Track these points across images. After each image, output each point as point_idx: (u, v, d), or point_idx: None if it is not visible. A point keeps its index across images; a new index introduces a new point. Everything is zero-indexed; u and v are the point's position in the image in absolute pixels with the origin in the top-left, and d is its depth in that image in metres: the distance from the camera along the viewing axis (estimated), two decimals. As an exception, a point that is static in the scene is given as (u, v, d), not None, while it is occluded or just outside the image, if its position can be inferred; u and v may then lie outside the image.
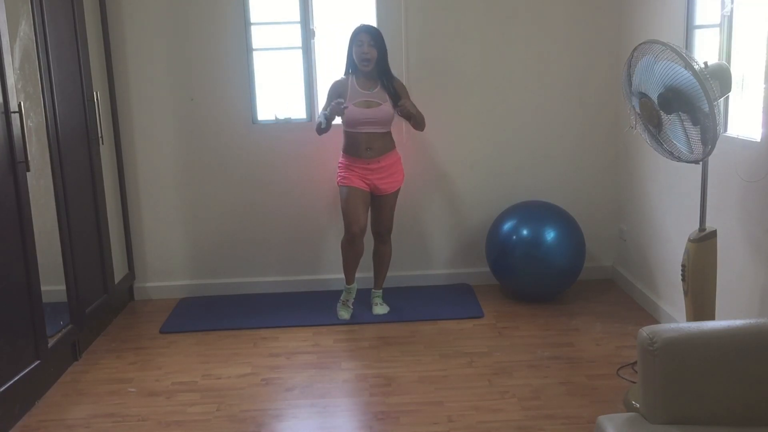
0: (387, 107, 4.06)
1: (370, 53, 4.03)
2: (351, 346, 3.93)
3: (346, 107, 3.97)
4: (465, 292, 4.65)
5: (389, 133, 4.16)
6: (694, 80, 2.65)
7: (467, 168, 4.68)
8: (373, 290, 4.41)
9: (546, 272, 4.24)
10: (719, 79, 2.80)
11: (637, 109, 3.00)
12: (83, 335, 3.90)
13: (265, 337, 4.07)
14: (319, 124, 4.08)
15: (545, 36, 4.55)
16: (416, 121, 4.13)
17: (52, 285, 3.58)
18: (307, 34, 4.52)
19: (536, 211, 4.38)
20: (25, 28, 3.38)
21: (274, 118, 4.65)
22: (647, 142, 3.07)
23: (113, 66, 4.46)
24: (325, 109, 4.11)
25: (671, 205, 3.89)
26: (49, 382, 3.53)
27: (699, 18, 3.58)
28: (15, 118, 3.12)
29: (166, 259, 4.75)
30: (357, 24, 4.11)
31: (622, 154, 4.61)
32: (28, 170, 3.23)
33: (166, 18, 4.47)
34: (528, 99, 4.62)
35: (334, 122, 4.10)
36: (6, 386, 3.05)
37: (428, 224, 4.76)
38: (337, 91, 4.13)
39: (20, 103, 3.17)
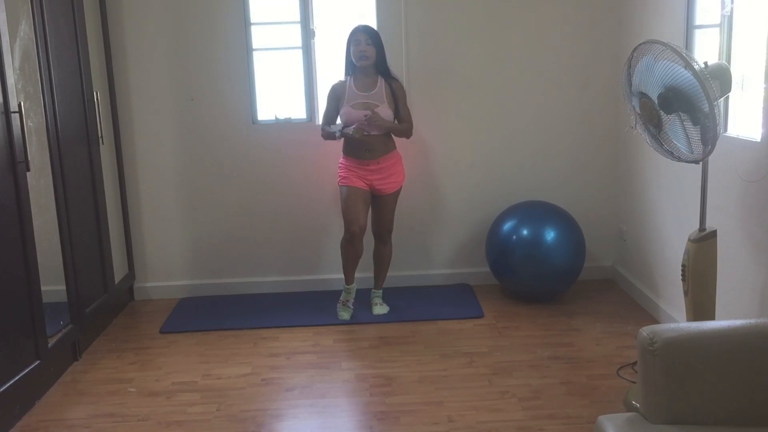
0: (384, 109, 4.06)
1: (367, 51, 4.03)
2: (351, 346, 3.93)
3: (367, 133, 3.99)
4: (465, 292, 4.64)
5: (389, 134, 4.15)
6: (694, 80, 2.65)
7: (467, 168, 4.68)
8: (373, 290, 4.41)
9: (546, 272, 4.24)
10: (719, 79, 2.80)
11: (637, 109, 3.00)
12: (83, 335, 3.90)
13: (265, 337, 4.07)
14: (331, 134, 4.11)
15: (545, 36, 4.55)
16: (395, 134, 4.14)
17: (52, 285, 3.58)
18: (307, 34, 4.52)
19: (536, 211, 4.38)
20: (25, 28, 3.38)
21: (274, 118, 4.65)
22: (647, 142, 3.07)
23: (113, 66, 4.46)
24: (328, 115, 4.16)
25: (671, 205, 3.89)
26: (49, 382, 3.53)
27: (699, 18, 3.58)
28: (15, 118, 3.12)
29: (166, 259, 4.75)
30: (355, 24, 4.11)
31: (622, 154, 4.61)
32: (28, 170, 3.23)
33: (166, 18, 4.47)
34: (528, 99, 4.62)
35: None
36: (6, 386, 3.05)
37: (428, 224, 4.76)
38: (335, 95, 4.15)
39: (20, 103, 3.17)
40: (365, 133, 4.00)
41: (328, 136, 4.16)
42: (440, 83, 4.57)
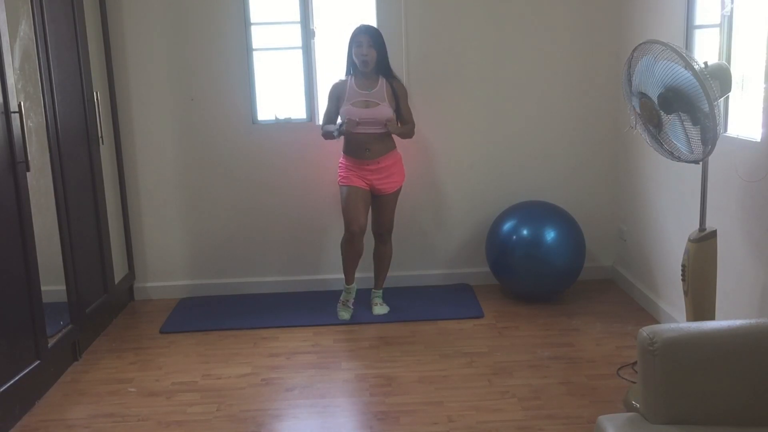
0: (385, 107, 4.06)
1: (369, 54, 4.03)
2: (351, 346, 3.93)
3: (358, 122, 3.99)
4: (465, 292, 4.64)
5: (389, 134, 4.15)
6: (694, 80, 2.65)
7: (467, 168, 4.68)
8: (373, 290, 4.41)
9: (546, 272, 4.24)
10: (719, 79, 2.80)
11: (637, 109, 3.00)
12: (83, 335, 3.90)
13: (265, 337, 4.07)
14: (329, 134, 4.11)
15: (545, 36, 4.55)
16: (402, 135, 4.15)
17: (52, 285, 3.58)
18: (307, 34, 4.52)
19: (536, 211, 4.38)
20: (25, 28, 3.38)
21: (274, 118, 4.65)
22: (647, 142, 3.07)
23: (113, 66, 4.46)
24: (328, 114, 4.17)
25: (671, 205, 3.89)
26: (49, 382, 3.53)
27: (699, 18, 3.58)
28: (15, 118, 3.12)
29: (166, 259, 4.75)
30: (357, 24, 4.11)
31: (622, 154, 4.61)
32: (28, 170, 3.23)
33: (166, 18, 4.47)
34: (528, 99, 4.62)
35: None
36: (6, 386, 3.05)
37: (428, 224, 4.76)
38: (336, 93, 4.15)
39: (20, 103, 3.17)
40: (357, 124, 3.98)
41: (327, 135, 4.17)
42: (440, 83, 4.57)
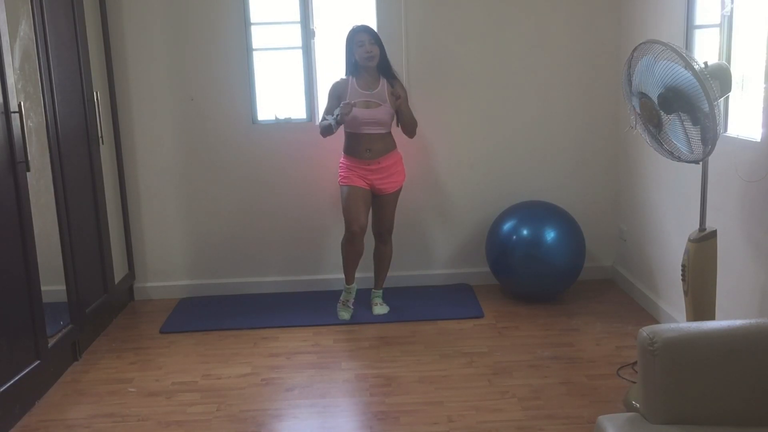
0: (387, 108, 4.06)
1: (373, 51, 4.03)
2: (351, 346, 3.93)
3: (354, 104, 3.97)
4: (465, 292, 4.64)
5: (389, 134, 4.16)
6: (694, 80, 2.65)
7: (467, 168, 4.68)
8: (373, 290, 4.41)
9: (546, 272, 4.24)
10: (719, 79, 2.80)
11: (637, 109, 3.00)
12: (83, 335, 3.90)
13: (265, 337, 4.07)
14: (327, 126, 4.07)
15: (545, 36, 4.55)
16: (406, 121, 4.12)
17: (52, 285, 3.58)
18: (307, 34, 4.52)
19: (536, 211, 4.38)
20: (25, 28, 3.38)
21: (274, 118, 4.65)
22: (647, 142, 3.07)
23: (113, 66, 4.46)
24: (328, 112, 4.11)
25: (671, 205, 3.89)
26: (49, 382, 3.53)
27: (699, 18, 3.58)
28: (15, 118, 3.12)
29: (166, 259, 4.75)
30: (353, 25, 4.10)
31: (622, 154, 4.61)
32: (28, 170, 3.23)
33: (166, 18, 4.47)
34: (528, 99, 4.62)
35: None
36: (6, 386, 3.05)
37: (428, 224, 4.76)
38: (336, 92, 4.13)
39: (20, 103, 3.17)
40: (353, 106, 3.96)
41: (325, 130, 4.12)
42: (440, 83, 4.57)
